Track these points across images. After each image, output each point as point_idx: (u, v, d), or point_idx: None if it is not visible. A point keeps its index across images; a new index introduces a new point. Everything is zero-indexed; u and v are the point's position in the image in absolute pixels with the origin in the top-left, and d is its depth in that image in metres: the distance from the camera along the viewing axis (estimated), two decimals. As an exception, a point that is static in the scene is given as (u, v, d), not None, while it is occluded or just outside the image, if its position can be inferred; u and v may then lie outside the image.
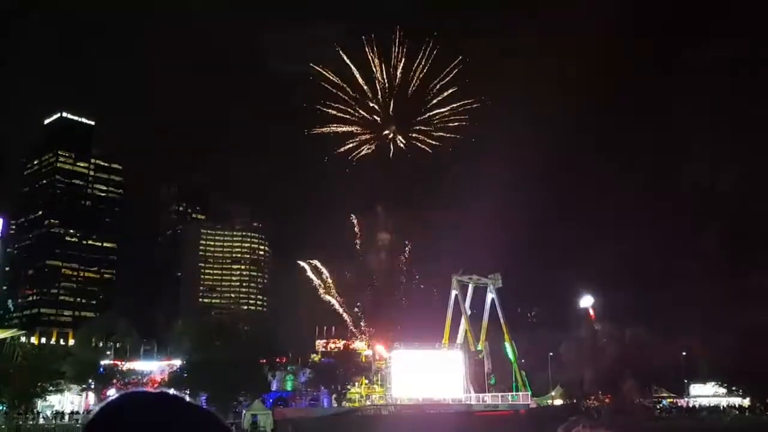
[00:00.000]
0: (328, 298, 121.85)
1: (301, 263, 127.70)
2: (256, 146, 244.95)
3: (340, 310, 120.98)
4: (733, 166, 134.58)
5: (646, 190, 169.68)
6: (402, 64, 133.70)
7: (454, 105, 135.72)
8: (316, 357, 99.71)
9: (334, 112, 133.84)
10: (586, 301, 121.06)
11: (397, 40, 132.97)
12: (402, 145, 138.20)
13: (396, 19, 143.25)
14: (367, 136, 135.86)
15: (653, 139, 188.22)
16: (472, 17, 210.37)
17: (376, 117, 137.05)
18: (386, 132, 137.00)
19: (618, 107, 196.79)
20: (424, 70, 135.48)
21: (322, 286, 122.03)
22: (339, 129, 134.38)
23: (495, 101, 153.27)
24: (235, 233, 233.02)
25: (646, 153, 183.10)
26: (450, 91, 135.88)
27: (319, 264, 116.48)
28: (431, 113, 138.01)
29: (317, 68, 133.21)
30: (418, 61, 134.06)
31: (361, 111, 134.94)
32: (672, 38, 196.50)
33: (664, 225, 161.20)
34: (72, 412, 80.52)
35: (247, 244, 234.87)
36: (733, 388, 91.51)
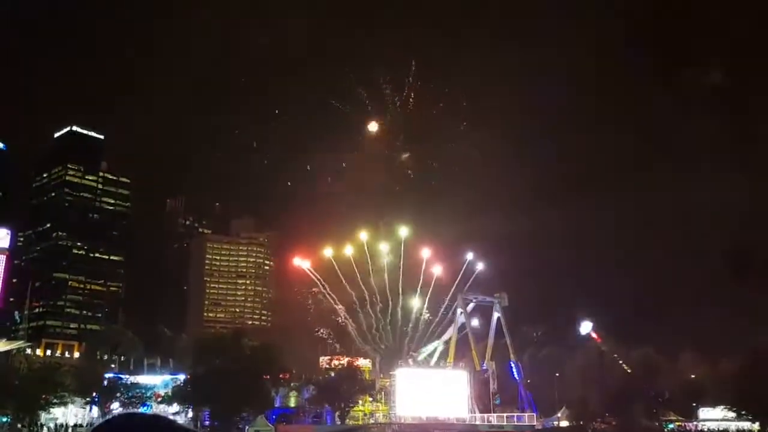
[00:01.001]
0: (322, 331, 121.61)
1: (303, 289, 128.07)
2: (265, 162, 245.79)
3: (330, 340, 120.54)
4: (738, 187, 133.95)
5: (652, 210, 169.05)
6: (414, 95, 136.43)
7: (464, 135, 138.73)
8: (331, 372, 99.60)
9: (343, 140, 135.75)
10: (586, 327, 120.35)
11: (411, 73, 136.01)
12: (410, 173, 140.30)
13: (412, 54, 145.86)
14: (376, 164, 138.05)
15: (654, 161, 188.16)
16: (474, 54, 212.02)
17: (386, 149, 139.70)
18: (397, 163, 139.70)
19: (621, 128, 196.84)
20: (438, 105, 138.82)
21: (314, 303, 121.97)
22: (348, 156, 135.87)
23: (505, 128, 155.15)
24: (241, 247, 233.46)
25: (650, 173, 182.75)
26: (463, 125, 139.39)
27: (321, 286, 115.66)
28: (442, 143, 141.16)
29: (333, 102, 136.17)
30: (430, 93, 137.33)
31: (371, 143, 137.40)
32: (669, 62, 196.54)
33: (673, 247, 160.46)
34: (75, 425, 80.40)
35: (252, 259, 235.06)
36: (743, 413, 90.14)
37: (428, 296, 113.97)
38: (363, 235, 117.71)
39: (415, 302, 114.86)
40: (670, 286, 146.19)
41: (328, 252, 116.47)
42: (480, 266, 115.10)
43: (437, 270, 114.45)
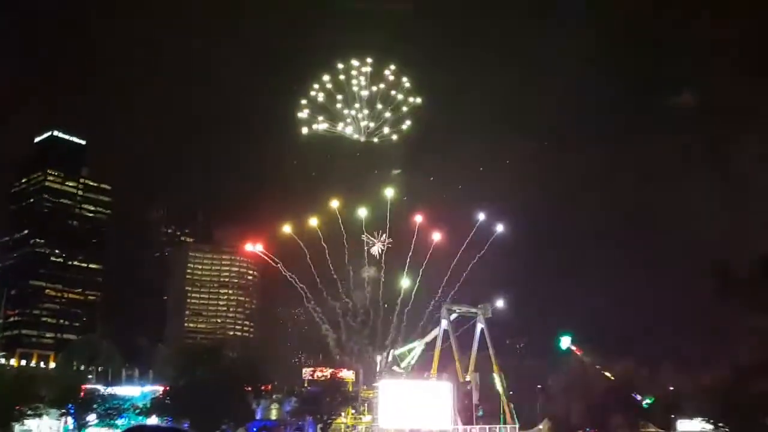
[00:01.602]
0: (301, 357, 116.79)
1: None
2: (248, 171, 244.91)
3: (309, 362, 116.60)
4: (722, 202, 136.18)
5: (632, 224, 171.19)
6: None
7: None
8: (314, 384, 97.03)
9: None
10: (565, 342, 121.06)
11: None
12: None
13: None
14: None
15: (638, 175, 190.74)
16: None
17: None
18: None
19: (605, 143, 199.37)
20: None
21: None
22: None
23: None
24: (223, 257, 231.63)
25: (631, 189, 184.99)
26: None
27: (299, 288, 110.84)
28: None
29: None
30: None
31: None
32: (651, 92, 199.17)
33: (652, 260, 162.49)
34: (50, 438, 78.70)
35: (235, 269, 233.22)
36: (720, 425, 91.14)
37: (422, 278, 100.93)
38: (335, 203, 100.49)
39: (404, 282, 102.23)
40: (650, 300, 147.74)
41: (288, 229, 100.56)
42: (499, 228, 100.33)
43: (436, 240, 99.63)
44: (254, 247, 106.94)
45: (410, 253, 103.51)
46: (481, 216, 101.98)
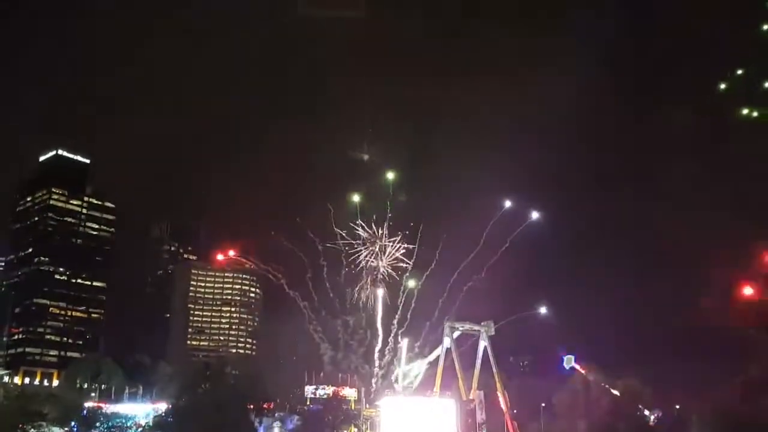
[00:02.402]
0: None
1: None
2: (251, 189, 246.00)
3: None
4: (723, 215, 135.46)
5: (639, 236, 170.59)
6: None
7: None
8: (317, 402, 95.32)
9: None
10: (568, 362, 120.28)
11: None
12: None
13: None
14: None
15: (640, 186, 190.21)
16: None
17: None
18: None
19: (603, 154, 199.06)
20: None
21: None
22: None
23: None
24: (226, 275, 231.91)
25: (634, 201, 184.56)
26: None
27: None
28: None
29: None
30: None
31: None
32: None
33: (658, 276, 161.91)
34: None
35: (237, 286, 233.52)
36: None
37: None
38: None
39: (410, 283, 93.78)
40: (655, 317, 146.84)
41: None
42: (534, 215, 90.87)
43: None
44: (228, 255, 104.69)
45: (410, 266, 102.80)
46: (507, 203, 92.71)
